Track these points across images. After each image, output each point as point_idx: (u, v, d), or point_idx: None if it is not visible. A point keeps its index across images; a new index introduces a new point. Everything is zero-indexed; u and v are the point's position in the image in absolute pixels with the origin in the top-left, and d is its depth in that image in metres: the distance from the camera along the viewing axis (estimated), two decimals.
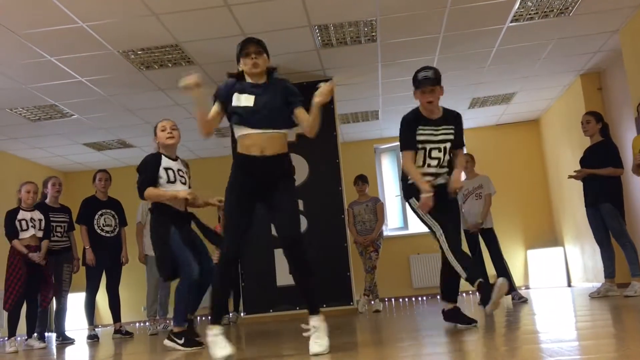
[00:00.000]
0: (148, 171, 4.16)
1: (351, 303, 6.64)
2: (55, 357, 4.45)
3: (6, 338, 5.82)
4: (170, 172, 4.19)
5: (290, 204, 3.20)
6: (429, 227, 3.80)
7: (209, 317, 3.14)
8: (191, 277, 4.00)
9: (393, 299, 9.33)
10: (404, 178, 3.95)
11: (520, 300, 5.89)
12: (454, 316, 3.94)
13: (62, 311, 6.26)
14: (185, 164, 4.70)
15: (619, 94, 7.30)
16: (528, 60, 7.09)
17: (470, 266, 3.72)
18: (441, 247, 3.74)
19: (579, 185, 7.84)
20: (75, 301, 7.53)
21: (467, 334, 3.49)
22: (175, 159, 4.34)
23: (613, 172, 5.55)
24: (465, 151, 9.57)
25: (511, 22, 5.94)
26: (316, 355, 2.89)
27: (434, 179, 3.80)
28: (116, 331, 6.23)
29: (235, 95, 3.15)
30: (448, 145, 3.86)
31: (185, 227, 4.21)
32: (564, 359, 2.14)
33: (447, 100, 8.90)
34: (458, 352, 2.71)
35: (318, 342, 3.00)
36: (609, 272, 5.62)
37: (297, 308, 6.59)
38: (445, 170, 3.86)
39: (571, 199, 8.61)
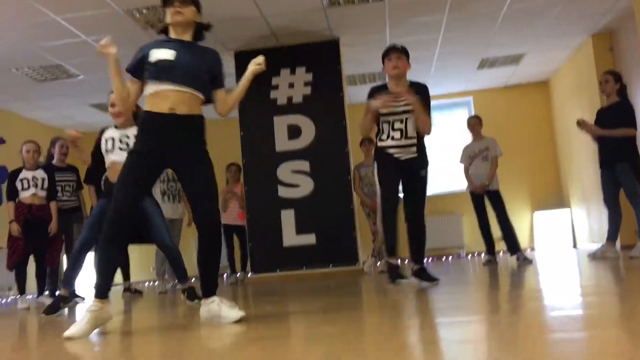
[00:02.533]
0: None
1: (357, 264, 6.71)
2: (66, 312, 4.54)
3: (18, 296, 5.94)
4: (109, 141, 4.27)
5: (213, 186, 2.92)
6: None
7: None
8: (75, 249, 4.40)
9: (399, 260, 9.39)
10: (376, 154, 4.29)
11: (525, 262, 5.93)
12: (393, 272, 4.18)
13: (76, 269, 6.35)
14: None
15: (630, 55, 7.19)
16: (538, 21, 6.97)
17: (391, 241, 4.17)
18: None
19: (587, 147, 7.81)
20: (87, 261, 7.62)
21: (470, 291, 3.53)
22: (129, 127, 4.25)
23: (626, 133, 5.48)
24: (473, 113, 9.54)
25: None
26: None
27: (400, 151, 4.07)
28: (125, 289, 6.34)
29: (153, 51, 2.93)
30: (410, 116, 4.05)
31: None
32: (567, 314, 2.17)
33: (457, 61, 8.82)
34: (461, 309, 2.75)
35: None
36: (611, 234, 5.62)
37: (304, 268, 6.68)
38: (412, 142, 4.07)
39: (579, 161, 8.58)
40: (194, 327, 2.92)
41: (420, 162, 4.10)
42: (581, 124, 5.72)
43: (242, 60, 7.09)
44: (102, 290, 2.85)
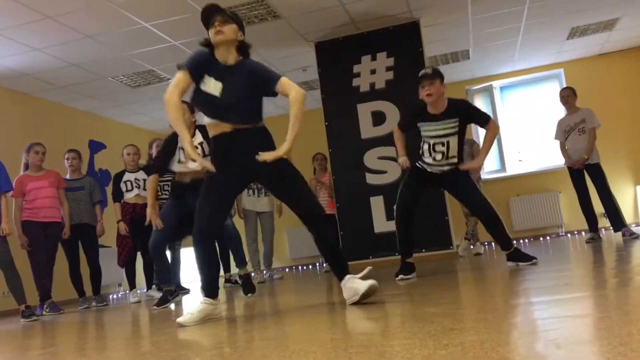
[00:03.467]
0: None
1: (451, 247, 6.61)
2: (174, 305, 4.78)
3: (128, 291, 6.33)
4: (182, 152, 4.53)
5: (301, 180, 3.02)
6: None
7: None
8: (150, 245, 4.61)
9: (493, 243, 9.17)
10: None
11: (632, 237, 5.62)
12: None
13: (176, 264, 6.66)
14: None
15: None
16: None
17: (403, 243, 4.30)
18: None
19: None
20: (187, 255, 7.97)
21: (574, 268, 3.40)
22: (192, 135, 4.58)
23: None
24: (565, 85, 9.11)
25: None
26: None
27: (438, 170, 4.15)
28: (226, 280, 6.59)
29: (206, 77, 2.96)
30: (451, 139, 4.05)
31: (186, 194, 4.52)
32: None
33: (544, 33, 8.44)
34: (567, 285, 2.65)
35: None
36: None
37: (396, 254, 6.65)
38: (453, 162, 4.11)
39: None
40: (303, 314, 3.00)
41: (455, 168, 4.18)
42: None
43: (322, 51, 7.15)
44: (211, 292, 3.02)
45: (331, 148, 7.08)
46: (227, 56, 2.99)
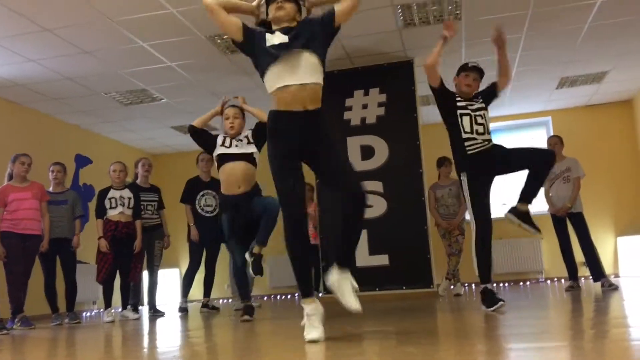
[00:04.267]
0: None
1: (431, 286, 6.60)
2: (148, 327, 4.71)
3: (103, 309, 6.23)
4: (227, 139, 4.79)
5: (347, 160, 3.14)
6: (469, 213, 4.12)
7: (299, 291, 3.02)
8: (236, 266, 4.67)
9: (474, 285, 9.18)
10: (458, 153, 4.17)
11: (610, 288, 5.66)
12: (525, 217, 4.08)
13: (153, 285, 6.60)
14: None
15: None
16: (623, 37, 6.71)
17: (483, 270, 4.03)
18: (472, 238, 4.08)
19: None
20: (165, 277, 7.92)
21: (552, 318, 3.41)
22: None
23: None
24: (552, 133, 9.26)
25: None
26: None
27: (482, 144, 4.07)
28: (204, 305, 6.51)
29: (268, 36, 2.96)
30: (485, 112, 4.17)
31: (239, 212, 4.57)
32: None
33: (535, 80, 8.61)
34: (544, 333, 2.66)
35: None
36: None
37: (377, 289, 6.64)
38: (490, 137, 4.15)
39: None
40: (276, 346, 2.97)
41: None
42: None
43: None
44: (309, 290, 2.95)
45: (318, 179, 7.08)
46: (288, 24, 3.01)
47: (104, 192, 6.14)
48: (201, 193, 6.44)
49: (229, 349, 2.94)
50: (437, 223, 6.84)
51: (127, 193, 6.14)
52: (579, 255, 6.16)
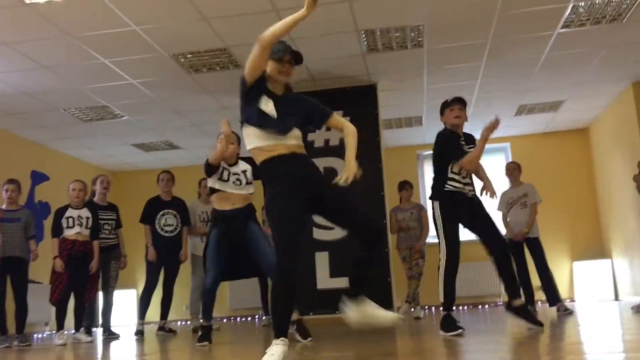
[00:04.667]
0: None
1: (391, 309, 6.61)
2: (101, 351, 4.58)
3: (55, 331, 6.03)
4: (225, 172, 4.58)
5: (353, 198, 3.03)
6: (439, 239, 4.16)
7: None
8: (205, 285, 4.48)
9: (433, 307, 9.23)
10: (435, 186, 4.24)
11: (566, 312, 5.76)
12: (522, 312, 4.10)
13: (108, 306, 6.43)
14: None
15: None
16: (578, 68, 6.95)
17: (450, 298, 4.08)
18: (439, 270, 4.14)
19: (629, 196, 7.63)
20: (121, 298, 7.73)
21: (509, 342, 3.44)
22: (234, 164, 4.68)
23: None
24: (510, 159, 9.48)
25: (562, 28, 5.83)
26: None
27: (468, 189, 4.19)
28: (160, 328, 6.37)
29: (264, 98, 2.98)
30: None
31: (232, 228, 4.42)
32: None
33: (494, 107, 8.82)
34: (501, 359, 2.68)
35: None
36: None
37: (337, 312, 6.59)
38: (473, 187, 4.26)
39: (621, 210, 8.38)
40: None
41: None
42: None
43: None
44: (286, 330, 2.78)
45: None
46: (278, 89, 3.07)
47: (62, 210, 5.97)
48: (161, 212, 6.34)
49: None
50: (397, 246, 6.89)
51: (85, 213, 6.00)
52: (535, 280, 6.26)
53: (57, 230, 5.89)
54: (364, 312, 2.84)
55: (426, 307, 8.82)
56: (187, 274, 6.90)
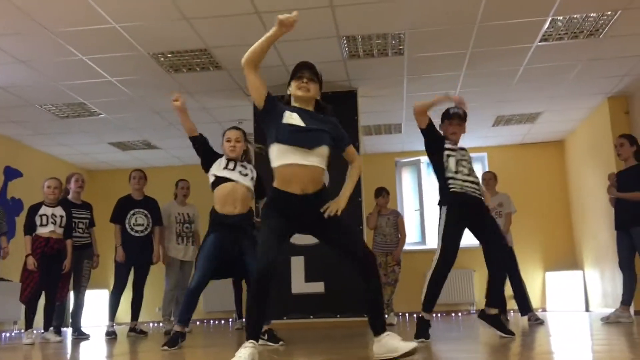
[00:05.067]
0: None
1: (365, 315, 6.60)
2: (70, 351, 4.50)
3: (23, 330, 5.91)
4: (231, 163, 4.44)
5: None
6: (437, 242, 4.18)
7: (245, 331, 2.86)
8: (191, 285, 4.32)
9: (407, 314, 9.26)
10: (441, 190, 4.25)
11: (537, 322, 5.82)
12: (496, 321, 4.20)
13: (79, 306, 6.34)
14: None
15: None
16: (555, 81, 7.05)
17: (431, 300, 4.15)
18: (431, 266, 4.18)
19: (601, 208, 7.75)
20: (93, 298, 7.61)
21: (481, 350, 3.47)
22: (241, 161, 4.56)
23: (638, 197, 5.46)
24: (487, 169, 9.56)
25: (540, 41, 5.92)
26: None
27: (472, 188, 4.17)
28: (131, 329, 6.28)
29: (287, 113, 3.03)
30: (470, 166, 4.27)
31: (231, 234, 4.32)
32: None
33: (472, 117, 8.89)
34: None
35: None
36: (626, 299, 5.53)
37: (311, 317, 6.59)
38: (477, 181, 4.25)
39: (593, 222, 8.51)
40: None
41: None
42: (610, 178, 5.75)
43: None
44: (256, 334, 2.82)
45: (257, 203, 7.03)
46: (307, 107, 3.12)
47: (35, 207, 5.87)
48: (132, 212, 6.25)
49: None
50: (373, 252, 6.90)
51: (59, 211, 5.91)
52: (508, 289, 6.31)
53: (30, 228, 5.79)
54: (386, 345, 2.92)
55: (400, 313, 8.85)
56: (161, 276, 6.83)
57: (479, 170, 9.48)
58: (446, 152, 4.23)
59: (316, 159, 2.97)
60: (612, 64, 6.61)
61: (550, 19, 5.45)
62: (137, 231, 6.24)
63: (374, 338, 3.00)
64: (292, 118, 3.01)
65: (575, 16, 5.42)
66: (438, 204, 4.28)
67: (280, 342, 4.24)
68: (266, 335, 4.32)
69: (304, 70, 3.14)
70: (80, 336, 6.19)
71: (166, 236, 6.69)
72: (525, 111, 8.19)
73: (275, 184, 3.02)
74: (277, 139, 2.97)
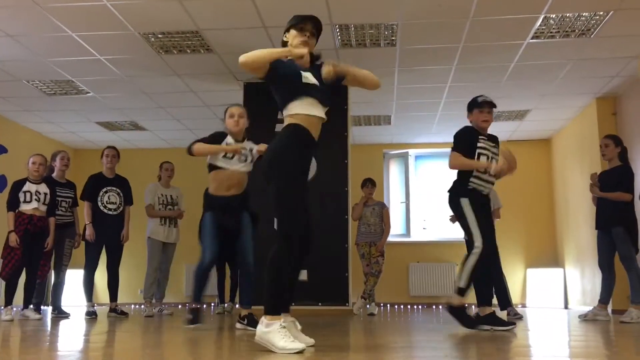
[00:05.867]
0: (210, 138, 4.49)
1: (347, 304, 6.65)
2: (49, 329, 4.48)
3: (2, 307, 5.88)
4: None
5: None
6: (469, 234, 4.21)
7: (268, 308, 2.86)
8: (203, 263, 4.33)
9: (388, 305, 9.33)
10: (460, 182, 4.33)
11: (516, 317, 5.88)
12: (492, 320, 4.33)
13: (59, 285, 6.31)
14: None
15: (632, 121, 7.28)
16: (545, 79, 7.09)
17: (469, 288, 4.25)
18: (469, 257, 4.20)
19: (584, 208, 7.83)
20: (74, 277, 7.58)
21: (459, 342, 3.50)
22: (242, 140, 4.56)
23: (619, 197, 5.52)
24: None
25: (532, 38, 5.94)
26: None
27: (488, 188, 4.34)
28: (111, 310, 6.27)
29: (302, 73, 3.10)
30: (498, 158, 4.39)
31: (227, 214, 4.40)
32: None
33: (461, 111, 8.89)
34: (447, 358, 2.71)
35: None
36: (604, 297, 5.60)
37: (293, 304, 6.59)
38: (494, 180, 4.39)
39: (576, 221, 8.59)
40: (184, 356, 2.89)
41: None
42: (592, 177, 5.80)
43: (251, 92, 7.18)
44: (285, 306, 2.97)
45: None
46: (303, 64, 3.18)
47: (19, 184, 5.83)
48: (104, 189, 6.21)
49: (134, 356, 2.83)
50: (357, 242, 6.94)
51: (43, 188, 5.86)
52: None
53: (13, 204, 5.75)
54: (278, 331, 2.82)
55: (381, 304, 8.91)
56: (144, 257, 6.81)
57: None
58: (479, 150, 4.29)
59: (324, 114, 3.14)
60: (602, 65, 6.65)
61: (543, 16, 5.46)
62: (110, 209, 6.19)
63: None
64: (307, 78, 3.08)
65: (567, 15, 5.44)
66: (453, 194, 4.34)
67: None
68: (246, 320, 4.34)
69: (308, 22, 3.17)
70: (60, 315, 6.17)
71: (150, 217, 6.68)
72: (514, 108, 8.23)
73: (299, 122, 3.04)
74: (305, 93, 3.05)
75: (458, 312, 4.26)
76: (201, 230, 4.46)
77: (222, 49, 6.25)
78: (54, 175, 6.30)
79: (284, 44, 3.24)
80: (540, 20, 5.53)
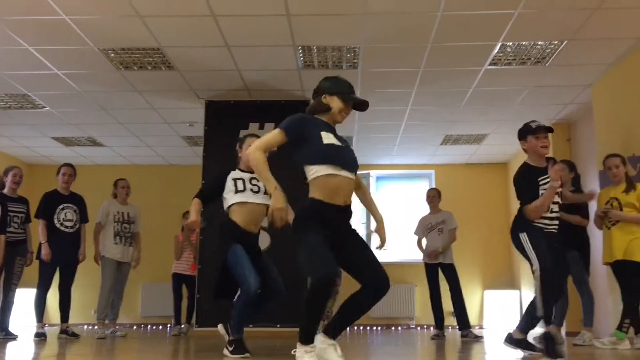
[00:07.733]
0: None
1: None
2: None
3: None
4: (239, 182, 4.28)
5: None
6: (530, 260, 3.99)
7: (303, 335, 3.03)
8: (249, 292, 4.03)
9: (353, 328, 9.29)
10: (524, 225, 4.05)
11: (474, 338, 5.93)
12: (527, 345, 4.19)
13: (8, 305, 6.08)
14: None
15: (586, 147, 7.49)
16: (502, 104, 7.25)
17: (549, 312, 4.02)
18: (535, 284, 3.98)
19: None
20: (23, 297, 7.31)
21: None
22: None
23: (579, 222, 5.55)
24: (434, 185, 9.70)
25: (489, 65, 6.08)
26: None
27: (553, 226, 4.03)
28: (62, 331, 6.07)
29: (324, 134, 3.13)
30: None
31: (252, 247, 4.25)
32: None
33: (421, 134, 9.02)
34: None
35: None
36: (558, 320, 5.67)
37: (250, 325, 6.49)
38: (559, 216, 4.08)
39: None
40: None
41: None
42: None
43: (212, 110, 7.13)
44: (312, 337, 3.01)
45: (204, 208, 6.92)
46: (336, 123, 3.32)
47: None
48: (60, 207, 6.06)
49: None
50: None
51: None
52: (447, 305, 6.42)
53: None
54: (324, 354, 2.98)
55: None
56: (98, 276, 6.62)
57: (426, 186, 9.64)
58: (541, 190, 3.98)
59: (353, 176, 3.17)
60: (557, 92, 6.84)
61: (500, 44, 5.60)
62: (66, 227, 6.04)
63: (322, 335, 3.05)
64: (329, 138, 3.12)
65: (523, 43, 5.59)
66: (516, 231, 4.10)
67: (246, 354, 4.05)
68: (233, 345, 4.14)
69: (353, 91, 3.38)
70: (7, 336, 5.93)
71: (103, 235, 6.51)
72: (472, 132, 8.39)
73: (317, 196, 3.07)
74: (326, 160, 3.08)
75: (546, 340, 3.99)
76: (231, 262, 4.16)
77: (184, 66, 6.20)
78: (4, 191, 6.10)
79: (317, 99, 3.32)
80: (498, 47, 5.67)
